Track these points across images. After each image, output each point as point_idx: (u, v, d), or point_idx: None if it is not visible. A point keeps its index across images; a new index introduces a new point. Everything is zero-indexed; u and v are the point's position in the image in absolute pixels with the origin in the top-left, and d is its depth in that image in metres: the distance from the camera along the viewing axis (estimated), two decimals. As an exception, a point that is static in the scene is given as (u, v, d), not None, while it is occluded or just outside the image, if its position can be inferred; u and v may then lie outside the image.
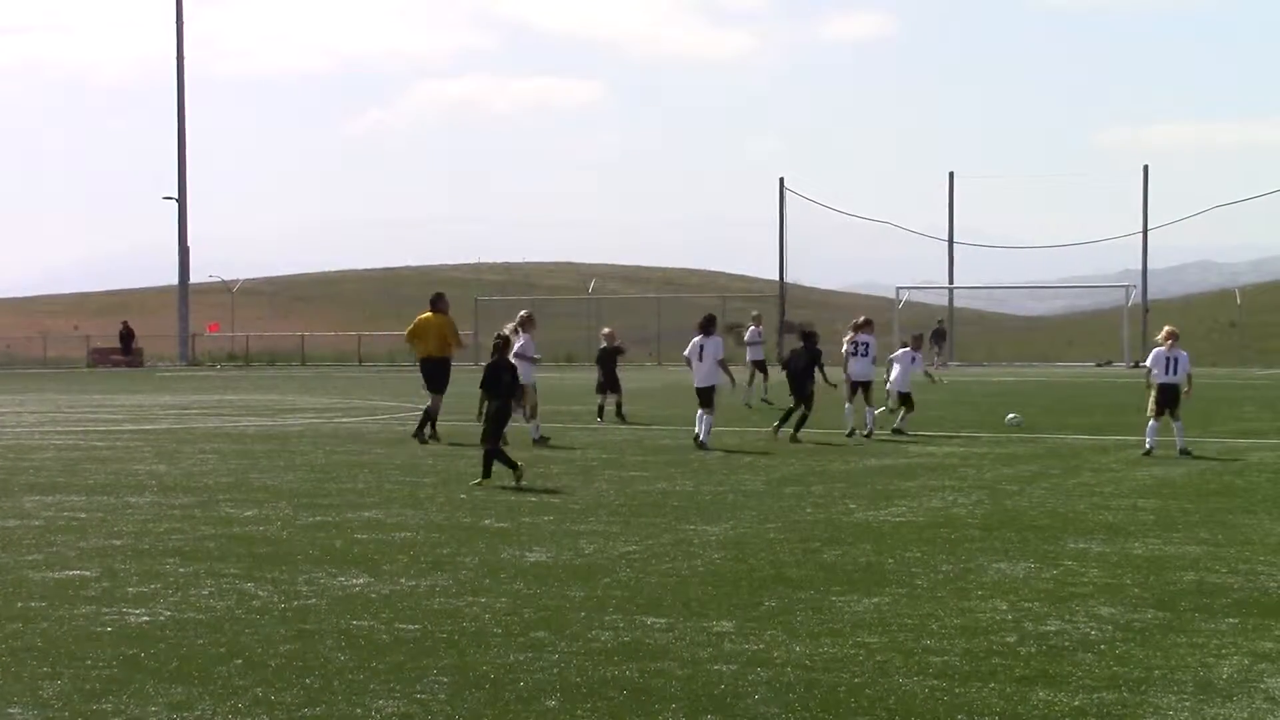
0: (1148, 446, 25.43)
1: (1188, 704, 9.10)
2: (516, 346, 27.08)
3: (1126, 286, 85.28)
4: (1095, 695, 9.31)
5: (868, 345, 30.91)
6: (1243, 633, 11.04)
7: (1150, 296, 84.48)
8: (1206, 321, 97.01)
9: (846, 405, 30.54)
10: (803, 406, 29.09)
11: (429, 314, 30.09)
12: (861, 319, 31.73)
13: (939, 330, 79.71)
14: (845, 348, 30.92)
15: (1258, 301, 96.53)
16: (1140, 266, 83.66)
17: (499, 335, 22.69)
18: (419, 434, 28.78)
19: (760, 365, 43.04)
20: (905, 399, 31.48)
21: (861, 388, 30.42)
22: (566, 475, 22.48)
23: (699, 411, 27.63)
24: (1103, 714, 8.91)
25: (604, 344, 36.58)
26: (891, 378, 32.06)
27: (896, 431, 30.29)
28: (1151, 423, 25.70)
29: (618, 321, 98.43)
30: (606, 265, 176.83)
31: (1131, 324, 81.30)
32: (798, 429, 28.82)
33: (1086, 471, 22.77)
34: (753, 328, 44.54)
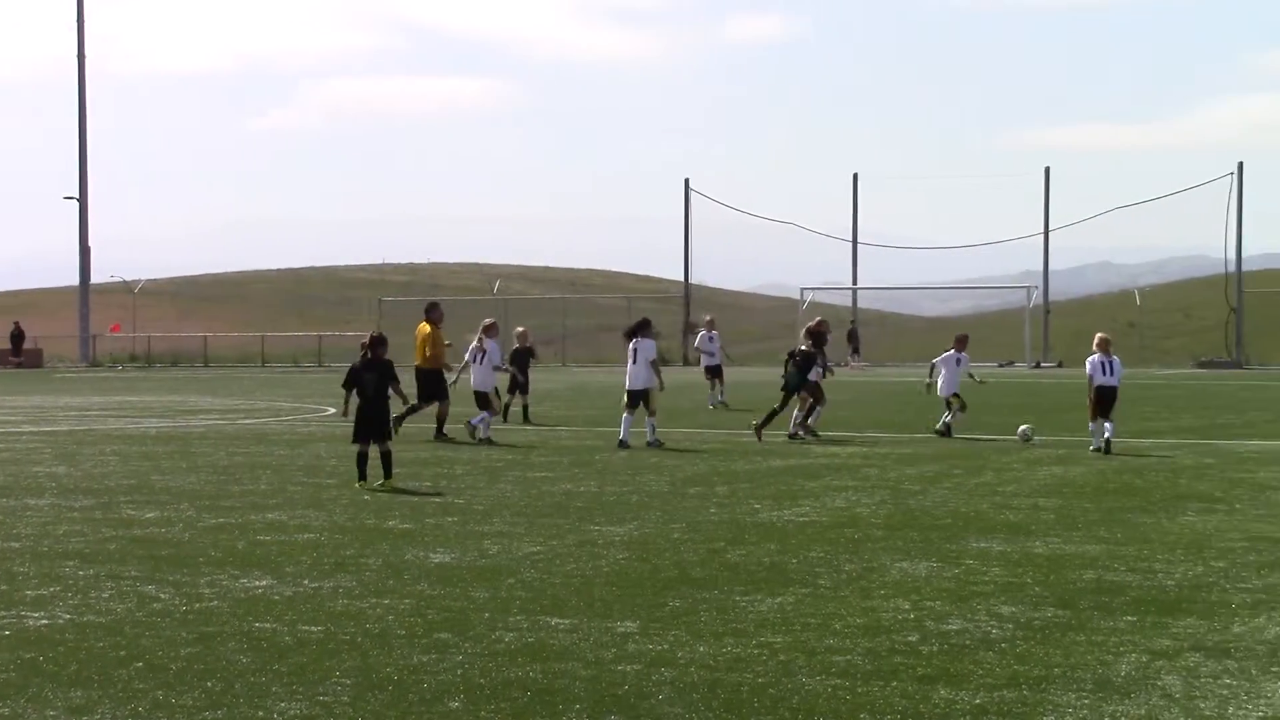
0: (1095, 445, 26.02)
1: (1087, 701, 9.18)
2: (488, 352, 29.33)
3: (1028, 287, 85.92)
4: (996, 694, 9.37)
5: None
6: (1140, 630, 11.15)
7: (1051, 297, 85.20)
8: (1106, 322, 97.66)
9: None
10: (811, 400, 29.43)
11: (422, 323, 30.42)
12: (815, 320, 31.71)
13: (852, 330, 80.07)
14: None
15: (1156, 302, 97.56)
16: (1042, 267, 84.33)
17: (371, 335, 22.14)
18: (438, 436, 29.24)
19: (715, 370, 42.13)
20: (956, 399, 30.73)
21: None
22: (471, 476, 22.43)
23: (625, 415, 27.78)
24: (1003, 712, 8.97)
25: (517, 344, 36.51)
26: (940, 381, 30.45)
27: (940, 432, 29.85)
28: (1091, 425, 26.44)
29: (524, 322, 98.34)
30: (512, 266, 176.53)
31: (1033, 325, 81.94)
32: (806, 419, 29.42)
33: (988, 471, 22.92)
34: (703, 332, 43.92)
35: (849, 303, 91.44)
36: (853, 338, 79.44)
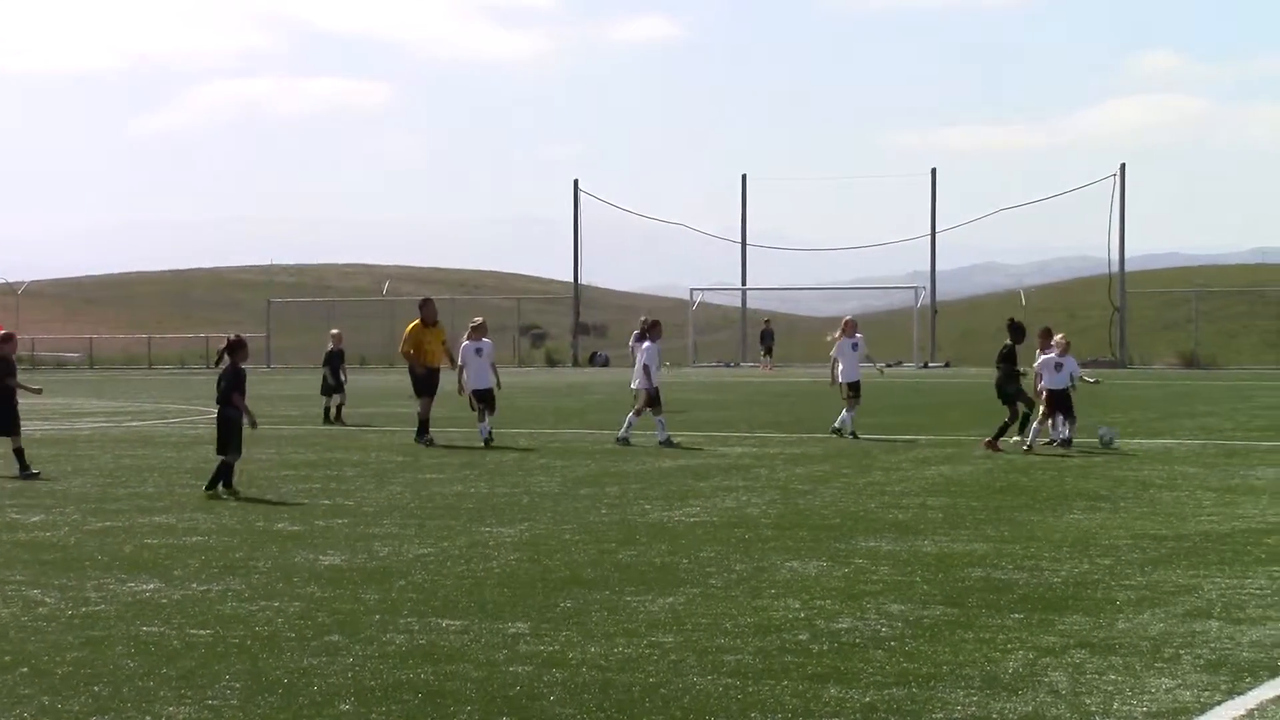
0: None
1: (975, 699, 9.25)
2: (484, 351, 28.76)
3: (916, 288, 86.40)
4: (885, 691, 9.43)
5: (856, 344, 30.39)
6: (1027, 628, 11.25)
7: (938, 298, 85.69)
8: (993, 322, 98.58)
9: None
10: (1021, 408, 27.18)
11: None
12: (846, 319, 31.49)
13: (766, 331, 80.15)
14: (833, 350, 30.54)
15: (1041, 302, 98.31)
16: (929, 268, 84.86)
17: (232, 338, 21.46)
18: (419, 438, 28.90)
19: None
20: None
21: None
22: (360, 478, 22.33)
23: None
24: (892, 710, 9.03)
25: (330, 345, 36.33)
26: (1042, 384, 28.01)
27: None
28: (1035, 425, 26.58)
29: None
30: (401, 267, 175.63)
31: (921, 325, 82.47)
32: (1007, 431, 27.11)
33: (877, 471, 23.05)
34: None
35: (738, 303, 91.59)
36: (766, 338, 79.55)
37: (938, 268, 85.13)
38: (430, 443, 28.17)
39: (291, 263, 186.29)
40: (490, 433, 28.13)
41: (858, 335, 30.65)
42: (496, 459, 25.31)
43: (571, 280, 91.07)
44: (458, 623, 11.49)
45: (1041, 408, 27.05)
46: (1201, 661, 10.18)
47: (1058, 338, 27.79)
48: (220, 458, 20.22)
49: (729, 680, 9.72)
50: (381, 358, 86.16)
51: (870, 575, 13.60)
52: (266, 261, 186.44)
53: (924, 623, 11.47)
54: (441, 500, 19.50)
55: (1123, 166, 79.42)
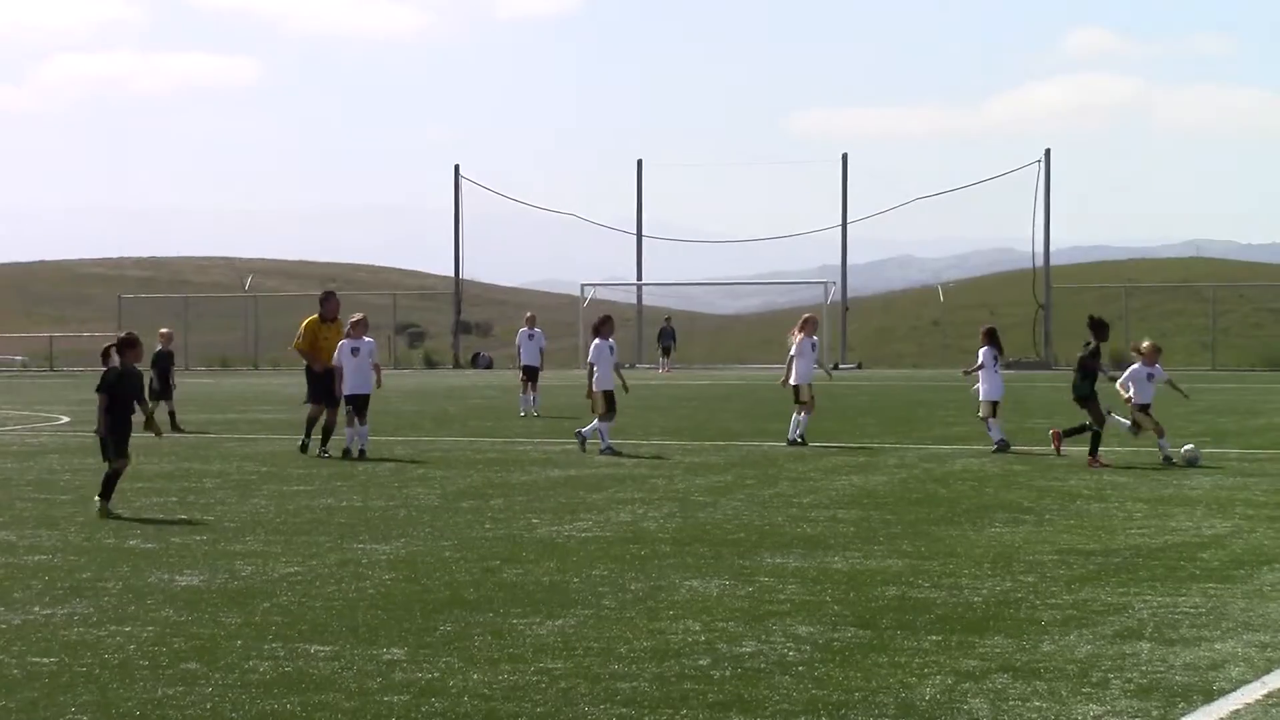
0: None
1: (889, 727, 9.31)
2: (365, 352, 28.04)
3: (825, 283, 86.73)
4: (793, 720, 9.48)
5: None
6: (945, 650, 11.32)
7: (850, 294, 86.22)
8: (909, 319, 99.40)
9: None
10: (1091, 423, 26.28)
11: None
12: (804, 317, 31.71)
13: (665, 329, 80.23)
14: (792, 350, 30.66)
15: (960, 298, 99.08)
16: (840, 262, 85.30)
17: (126, 335, 21.18)
18: (321, 448, 27.90)
19: (531, 373, 41.27)
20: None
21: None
22: (221, 490, 22.19)
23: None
24: (801, 740, 9.06)
25: (160, 346, 36.10)
26: (1130, 394, 27.30)
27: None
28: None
29: (279, 321, 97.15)
30: (265, 260, 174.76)
31: (831, 323, 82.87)
32: (1082, 434, 26.38)
33: (784, 481, 23.14)
34: (523, 330, 43.24)
35: (634, 300, 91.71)
36: (664, 337, 79.63)
37: (849, 261, 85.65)
38: (325, 454, 27.48)
39: (144, 255, 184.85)
40: (365, 443, 27.62)
41: (815, 336, 31.06)
42: (370, 470, 25.22)
43: (452, 275, 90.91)
44: (327, 648, 11.44)
45: (1145, 422, 26.36)
46: (1132, 686, 10.28)
47: (1145, 344, 27.16)
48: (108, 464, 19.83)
49: (623, 710, 9.73)
50: (244, 358, 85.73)
51: (776, 594, 13.65)
52: (117, 254, 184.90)
53: (834, 645, 11.52)
54: (310, 515, 19.40)
55: (1048, 152, 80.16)
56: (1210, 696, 10.02)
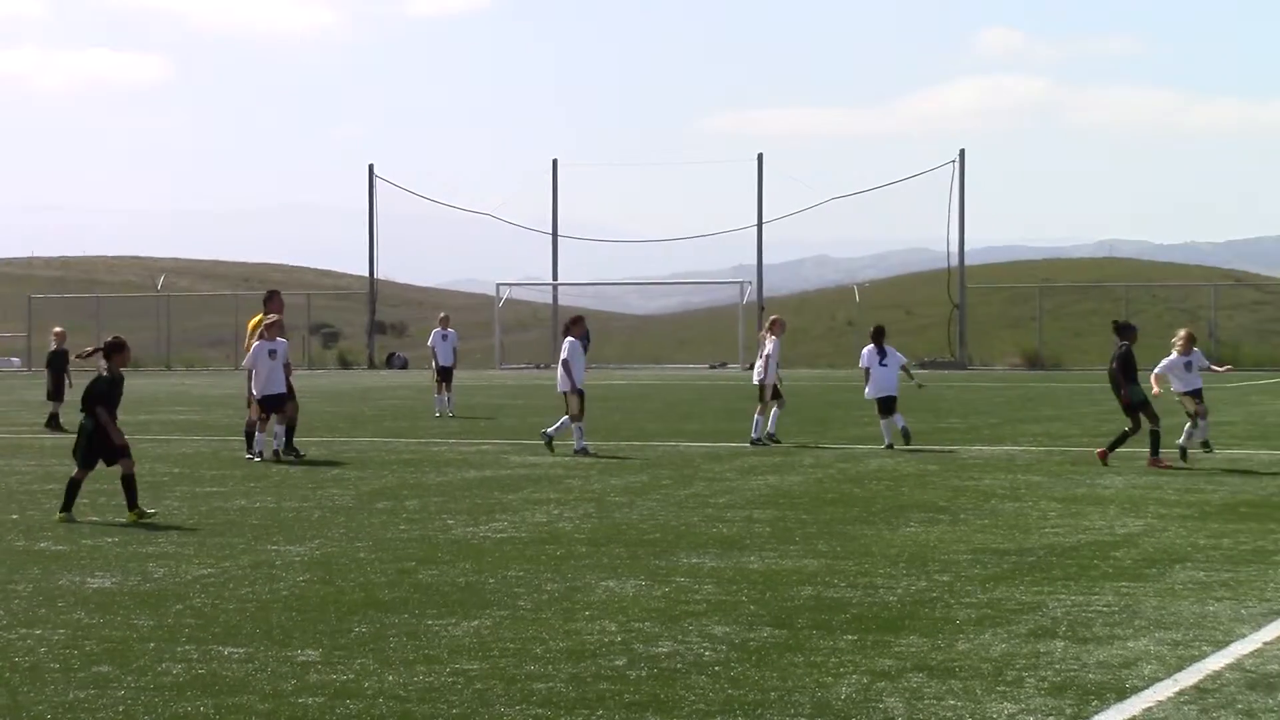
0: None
1: (805, 727, 9.34)
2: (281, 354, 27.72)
3: (741, 283, 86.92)
4: (709, 720, 9.50)
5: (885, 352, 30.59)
6: (861, 650, 11.37)
7: (766, 293, 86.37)
8: (824, 319, 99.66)
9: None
10: (1138, 419, 25.60)
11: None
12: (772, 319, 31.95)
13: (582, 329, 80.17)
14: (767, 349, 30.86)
15: (876, 298, 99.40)
16: (756, 261, 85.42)
17: (115, 339, 20.75)
18: (287, 449, 27.38)
19: (445, 374, 40.88)
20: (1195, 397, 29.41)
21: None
22: (133, 492, 22.02)
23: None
24: (717, 740, 9.08)
25: (53, 345, 35.86)
26: (1176, 389, 26.96)
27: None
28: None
29: (191, 321, 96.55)
30: (177, 259, 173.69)
31: (747, 323, 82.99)
32: (1125, 441, 25.71)
33: (700, 481, 23.17)
34: (436, 330, 42.87)
35: (549, 299, 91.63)
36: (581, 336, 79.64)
37: (765, 261, 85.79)
38: (260, 456, 27.00)
39: (54, 255, 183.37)
40: (282, 444, 27.26)
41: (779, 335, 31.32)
42: (283, 471, 25.12)
43: (367, 275, 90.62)
44: (241, 650, 11.39)
45: (1193, 407, 25.91)
46: (1046, 684, 10.35)
47: (1181, 333, 26.82)
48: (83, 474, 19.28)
49: (539, 711, 9.73)
50: (156, 359, 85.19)
51: (692, 595, 13.67)
52: (26, 254, 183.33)
53: (750, 645, 11.55)
54: (223, 516, 19.31)
55: (962, 153, 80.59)
56: (1123, 694, 10.10)
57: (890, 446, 28.41)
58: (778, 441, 29.82)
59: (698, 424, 35.14)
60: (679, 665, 10.92)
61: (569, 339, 29.21)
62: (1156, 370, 26.09)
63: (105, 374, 19.59)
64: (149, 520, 18.67)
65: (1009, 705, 9.82)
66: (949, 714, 9.64)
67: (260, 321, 28.42)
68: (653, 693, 10.15)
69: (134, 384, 53.70)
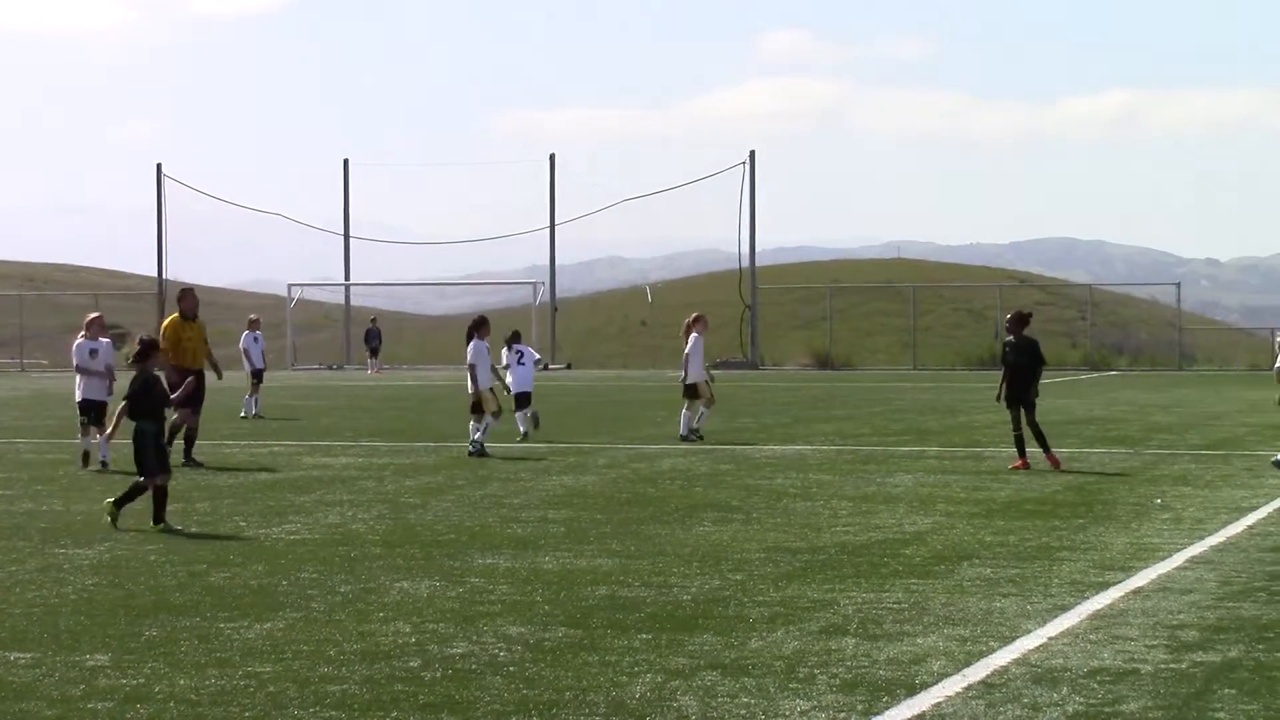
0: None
1: (600, 726, 9.38)
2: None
3: (534, 283, 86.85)
4: (504, 720, 9.50)
5: (522, 352, 32.28)
6: (655, 649, 11.42)
7: (559, 294, 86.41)
8: (617, 320, 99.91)
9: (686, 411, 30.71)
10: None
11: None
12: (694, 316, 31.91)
13: (372, 330, 79.59)
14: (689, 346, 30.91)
15: (668, 298, 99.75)
16: (549, 262, 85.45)
17: (144, 340, 20.01)
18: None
19: (257, 375, 40.26)
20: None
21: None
22: (-84, 496, 21.62)
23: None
24: (512, 740, 9.09)
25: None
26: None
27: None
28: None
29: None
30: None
31: (540, 323, 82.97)
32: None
33: (494, 482, 23.15)
34: (246, 333, 42.19)
35: (342, 300, 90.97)
36: (371, 338, 79.05)
37: (559, 262, 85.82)
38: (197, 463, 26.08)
39: None
40: (106, 454, 26.19)
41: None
42: (71, 473, 24.74)
43: (156, 275, 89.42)
44: (28, 655, 11.22)
45: None
46: (837, 681, 10.46)
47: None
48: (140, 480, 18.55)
49: (333, 713, 9.68)
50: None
51: (487, 595, 13.67)
52: None
53: (545, 645, 11.57)
54: (9, 519, 19.01)
55: (752, 154, 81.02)
56: (913, 690, 10.24)
57: (525, 436, 30.57)
58: (700, 439, 30.04)
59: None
60: (474, 666, 10.91)
61: (475, 341, 29.01)
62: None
63: (146, 373, 19.12)
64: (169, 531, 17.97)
65: (801, 702, 9.92)
66: (742, 712, 9.72)
67: (175, 321, 27.01)
68: (447, 693, 10.13)
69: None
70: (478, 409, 28.13)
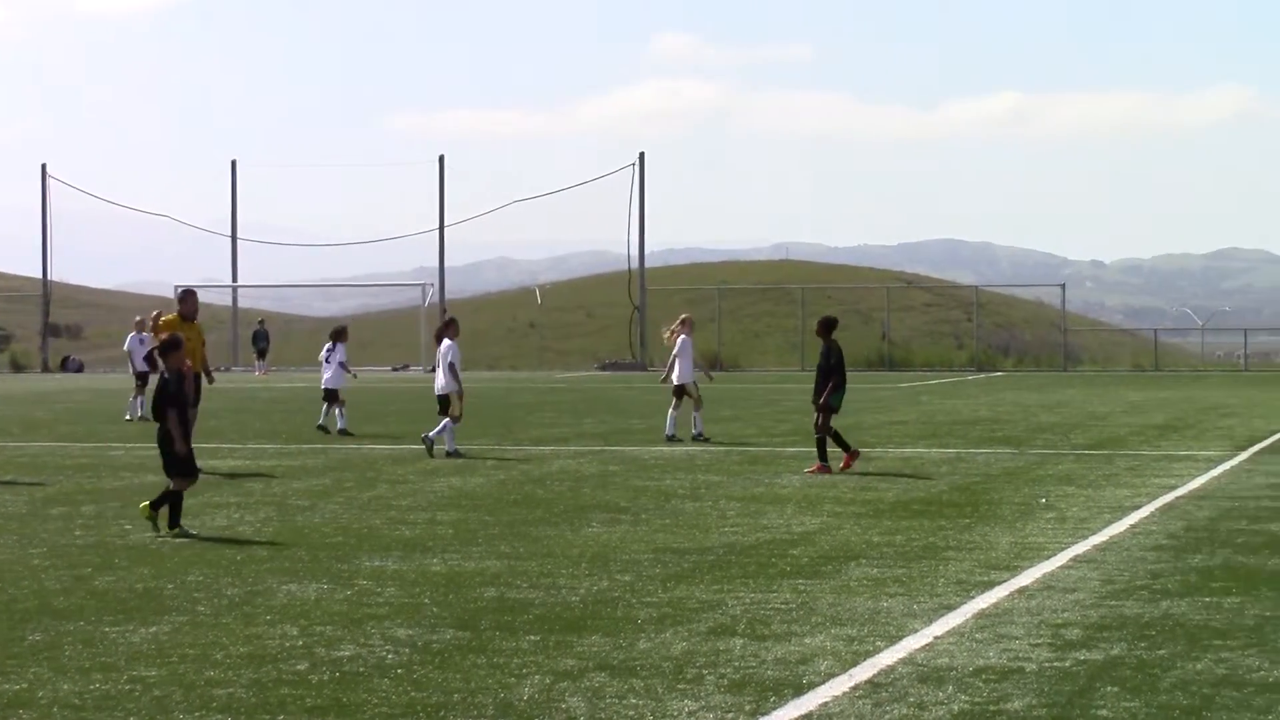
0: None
1: (488, 728, 9.35)
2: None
3: (423, 285, 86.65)
4: (392, 723, 9.46)
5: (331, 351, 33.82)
6: (544, 650, 11.41)
7: (447, 295, 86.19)
8: (505, 321, 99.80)
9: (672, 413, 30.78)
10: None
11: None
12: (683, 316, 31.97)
13: (259, 332, 79.16)
14: (675, 346, 30.94)
15: (557, 300, 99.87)
16: (438, 263, 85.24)
17: (173, 337, 19.45)
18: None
19: (144, 377, 39.63)
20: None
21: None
22: None
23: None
24: (400, 743, 9.04)
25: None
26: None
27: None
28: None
29: None
30: None
31: (428, 325, 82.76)
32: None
33: (382, 484, 23.07)
34: (132, 334, 41.57)
35: (229, 302, 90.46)
36: (259, 339, 78.64)
37: (446, 263, 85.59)
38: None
39: None
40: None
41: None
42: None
43: (40, 276, 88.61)
44: (-91, 662, 11.08)
45: None
46: (725, 682, 10.48)
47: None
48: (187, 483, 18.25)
49: (219, 717, 9.61)
50: None
51: (375, 597, 13.61)
52: None
53: (433, 648, 11.53)
54: (-110, 524, 18.76)
55: (641, 156, 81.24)
56: (800, 690, 10.27)
57: (324, 428, 32.68)
58: (707, 440, 30.07)
59: (379, 426, 34.97)
60: (361, 668, 10.86)
61: (447, 341, 28.89)
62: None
63: (166, 375, 18.63)
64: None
65: (689, 703, 9.93)
66: (630, 713, 9.71)
67: (174, 321, 26.29)
68: (335, 696, 10.08)
69: None
70: (448, 409, 28.13)
